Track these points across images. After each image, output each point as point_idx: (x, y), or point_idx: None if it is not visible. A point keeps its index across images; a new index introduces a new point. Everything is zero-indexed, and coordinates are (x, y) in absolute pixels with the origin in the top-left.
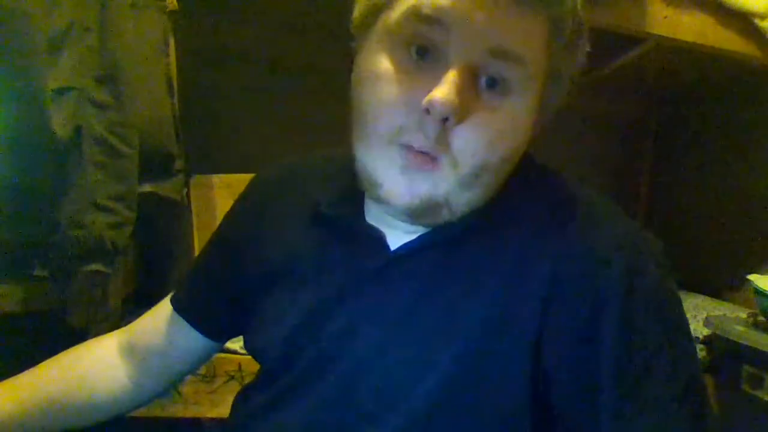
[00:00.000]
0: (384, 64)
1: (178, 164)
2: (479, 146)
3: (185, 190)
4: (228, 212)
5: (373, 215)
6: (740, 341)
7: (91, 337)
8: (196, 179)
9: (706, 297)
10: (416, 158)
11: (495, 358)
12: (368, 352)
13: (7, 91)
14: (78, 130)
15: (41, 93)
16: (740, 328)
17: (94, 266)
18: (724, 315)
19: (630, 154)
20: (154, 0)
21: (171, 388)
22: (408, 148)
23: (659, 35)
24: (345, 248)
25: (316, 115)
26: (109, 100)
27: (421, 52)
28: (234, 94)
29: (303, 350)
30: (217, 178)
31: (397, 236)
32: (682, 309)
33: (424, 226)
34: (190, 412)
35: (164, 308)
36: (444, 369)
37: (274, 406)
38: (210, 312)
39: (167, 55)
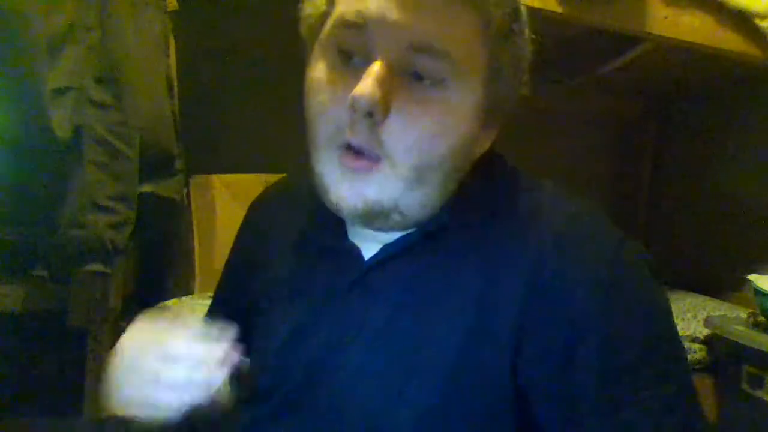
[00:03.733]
0: (320, 71)
1: (178, 164)
2: (412, 140)
3: (185, 190)
4: (234, 240)
5: (353, 232)
6: (740, 341)
7: (91, 338)
8: (196, 179)
9: (706, 297)
10: (353, 160)
11: (474, 368)
12: (349, 367)
13: (7, 91)
14: (78, 130)
15: (41, 93)
16: (740, 328)
17: (94, 266)
18: (724, 315)
19: (630, 154)
20: (154, 0)
21: None
22: (345, 150)
23: (659, 35)
24: (327, 267)
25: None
26: (109, 100)
27: (349, 55)
28: (234, 93)
29: (290, 369)
30: (217, 178)
31: (374, 250)
32: (669, 318)
33: (380, 230)
34: None
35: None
36: (426, 381)
37: (263, 425)
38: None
39: (167, 55)
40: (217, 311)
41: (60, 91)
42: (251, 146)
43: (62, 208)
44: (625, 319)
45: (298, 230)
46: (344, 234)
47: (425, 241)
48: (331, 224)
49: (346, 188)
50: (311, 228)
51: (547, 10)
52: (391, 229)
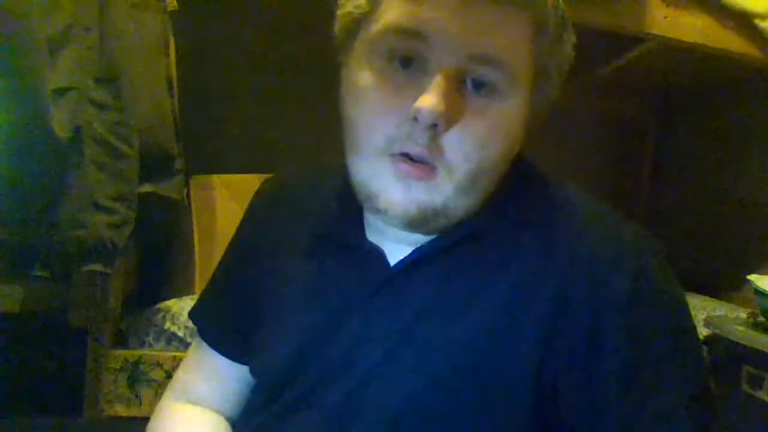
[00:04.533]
0: (368, 77)
1: (178, 164)
2: (471, 150)
3: (185, 190)
4: (233, 237)
5: (374, 231)
6: (740, 341)
7: (91, 338)
8: (196, 179)
9: (706, 297)
10: (413, 169)
11: (496, 370)
12: (370, 370)
13: (7, 91)
14: (78, 130)
15: (41, 93)
16: (740, 328)
17: (94, 266)
18: (724, 315)
19: (630, 154)
20: (154, 0)
21: None
22: (402, 157)
23: (659, 35)
24: (346, 267)
25: (317, 116)
26: (109, 100)
27: (405, 62)
28: (234, 94)
29: (305, 370)
30: (217, 178)
31: (398, 251)
32: (689, 312)
33: (422, 233)
34: None
35: (206, 356)
36: (445, 383)
37: (276, 424)
38: (239, 339)
39: (167, 55)
40: (211, 309)
41: (60, 91)
42: (251, 146)
43: (62, 208)
44: (652, 312)
45: (310, 229)
46: (363, 234)
47: (458, 245)
48: (349, 224)
49: (399, 195)
50: (326, 227)
51: None
52: (432, 231)
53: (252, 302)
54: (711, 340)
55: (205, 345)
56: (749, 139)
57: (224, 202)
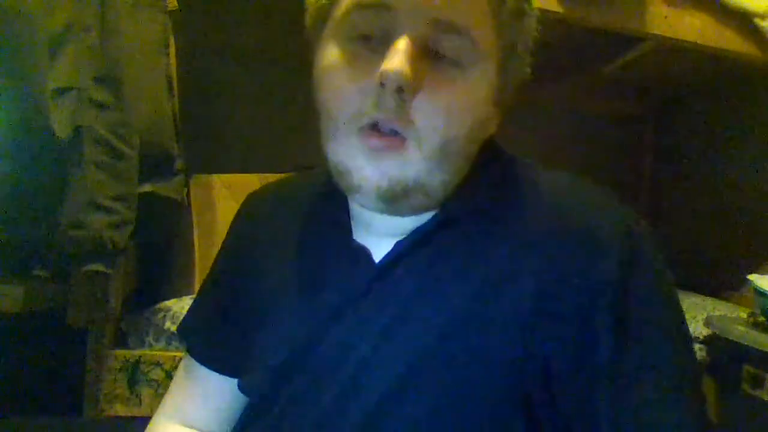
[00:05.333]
0: (334, 55)
1: (178, 164)
2: (439, 119)
3: (185, 190)
4: (220, 249)
5: (360, 228)
6: (740, 341)
7: (91, 338)
8: (196, 179)
9: (706, 297)
10: (381, 141)
11: (482, 356)
12: (359, 369)
13: (7, 91)
14: (78, 130)
15: (41, 93)
16: (740, 328)
17: (94, 266)
18: (724, 315)
19: (630, 153)
20: (154, 0)
21: None
22: (371, 132)
23: (659, 35)
24: (335, 270)
25: (317, 116)
26: (109, 100)
27: (366, 38)
28: (234, 93)
29: (298, 376)
30: (217, 178)
31: (384, 246)
32: (677, 296)
33: (401, 213)
34: None
35: (195, 373)
36: (431, 371)
37: (270, 425)
38: (230, 354)
39: (167, 55)
40: (200, 324)
41: (60, 91)
42: (251, 146)
43: (62, 208)
44: (642, 290)
45: (297, 233)
46: (350, 235)
47: (437, 231)
48: (336, 226)
49: (369, 169)
50: (314, 230)
51: (547, 10)
52: (411, 211)
53: (241, 313)
54: (711, 340)
55: (194, 361)
56: (749, 140)
57: (224, 202)
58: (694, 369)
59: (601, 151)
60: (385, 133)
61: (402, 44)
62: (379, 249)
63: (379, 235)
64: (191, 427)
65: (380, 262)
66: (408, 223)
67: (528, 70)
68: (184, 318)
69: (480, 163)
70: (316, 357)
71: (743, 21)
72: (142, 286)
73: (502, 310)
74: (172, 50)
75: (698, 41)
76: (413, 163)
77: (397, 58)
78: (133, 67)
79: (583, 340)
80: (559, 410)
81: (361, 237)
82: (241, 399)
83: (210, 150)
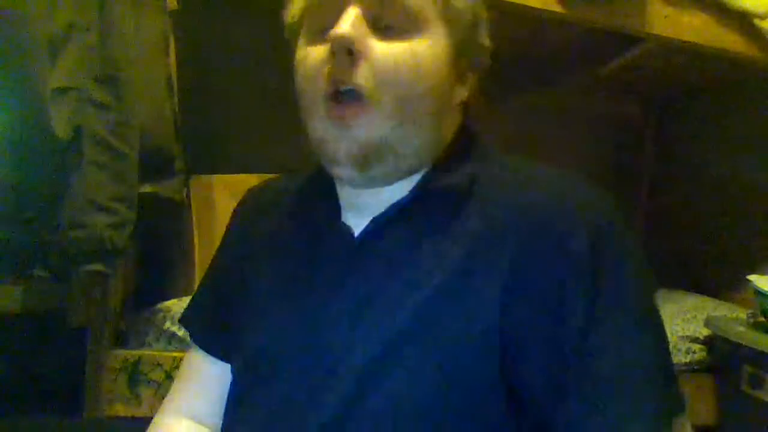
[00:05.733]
0: (303, 50)
1: (178, 164)
2: (391, 74)
3: (185, 190)
4: (220, 244)
5: (347, 212)
6: (740, 341)
7: (91, 338)
8: (196, 179)
9: (706, 297)
10: (343, 107)
11: (456, 330)
12: (339, 347)
13: (7, 91)
14: (78, 130)
15: (41, 93)
16: (740, 328)
17: (94, 266)
18: (724, 315)
19: (630, 154)
20: (154, 0)
21: None
22: (333, 103)
23: (659, 35)
24: (322, 252)
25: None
26: (109, 100)
27: (324, 30)
28: (234, 94)
29: (280, 354)
30: (217, 178)
31: (365, 225)
32: (649, 273)
33: (379, 181)
34: None
35: (197, 365)
36: (406, 345)
37: (249, 410)
38: (229, 339)
39: (167, 55)
40: (201, 313)
41: (60, 91)
42: (251, 146)
43: (62, 208)
44: (612, 266)
45: (291, 225)
46: (339, 218)
47: (412, 207)
48: (326, 210)
49: (339, 137)
50: (306, 219)
51: (547, 10)
52: (386, 178)
53: (237, 305)
54: (711, 340)
55: (196, 355)
56: (749, 140)
57: (224, 202)
58: (660, 344)
59: (601, 151)
60: (346, 100)
61: (348, 12)
62: (362, 227)
63: (362, 214)
64: (198, 421)
65: (357, 237)
66: (386, 201)
67: (487, 43)
68: (185, 310)
69: (456, 141)
70: (296, 340)
71: (743, 21)
72: (142, 286)
73: (477, 286)
74: (172, 50)
75: (698, 41)
76: (377, 124)
77: (343, 22)
78: (133, 67)
79: (555, 314)
80: (532, 383)
81: (347, 218)
82: None
83: (210, 150)
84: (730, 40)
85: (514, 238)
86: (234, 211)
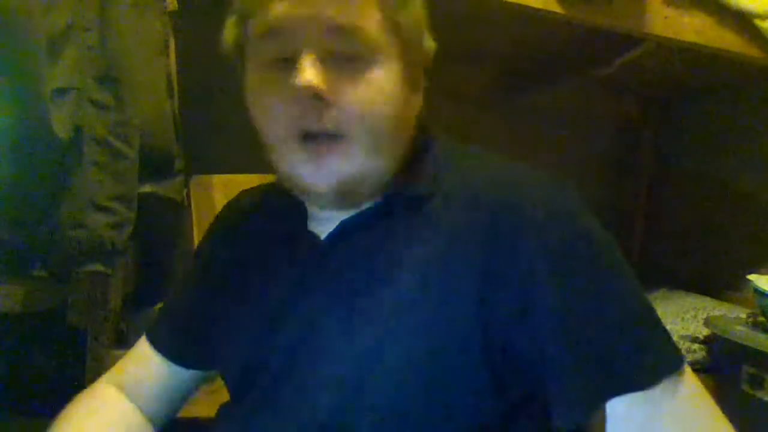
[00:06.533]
0: (255, 81)
1: (178, 164)
2: (364, 113)
3: (185, 190)
4: (196, 250)
5: (314, 220)
6: (740, 341)
7: (91, 338)
8: (196, 179)
9: (706, 297)
10: (319, 146)
11: (436, 330)
12: (324, 345)
13: (7, 91)
14: (78, 130)
15: (41, 93)
16: (740, 328)
17: (94, 266)
18: (724, 315)
19: (629, 154)
20: (154, 0)
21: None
22: (306, 139)
23: (659, 35)
24: (290, 259)
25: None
26: (109, 100)
27: (278, 60)
28: (234, 94)
29: (263, 364)
30: (217, 178)
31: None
32: (615, 246)
33: (352, 207)
34: (189, 412)
35: (146, 352)
36: (386, 346)
37: (242, 421)
38: (186, 345)
39: (167, 55)
40: (173, 316)
41: (60, 91)
42: (251, 146)
43: (62, 208)
44: (576, 242)
45: (263, 236)
46: (305, 225)
47: (379, 213)
48: (293, 220)
49: (315, 173)
50: (271, 227)
51: (547, 11)
52: (362, 201)
53: (210, 315)
54: (711, 340)
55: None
56: (749, 140)
57: (224, 202)
58: (637, 308)
59: (601, 151)
60: (320, 139)
61: (307, 59)
62: (327, 233)
63: (330, 220)
64: (134, 402)
65: (324, 239)
66: (353, 209)
67: (431, 44)
68: (154, 324)
69: (415, 144)
70: (278, 343)
71: (743, 21)
72: (142, 286)
73: (453, 282)
74: (172, 50)
75: (698, 41)
76: (354, 158)
77: (305, 70)
78: (133, 67)
79: (529, 296)
80: (521, 368)
81: (314, 227)
82: (183, 391)
83: (210, 150)
84: (730, 40)
85: (483, 231)
86: (213, 223)
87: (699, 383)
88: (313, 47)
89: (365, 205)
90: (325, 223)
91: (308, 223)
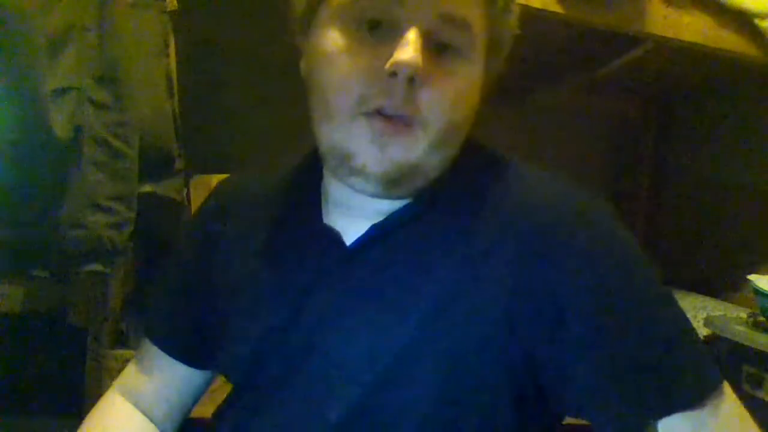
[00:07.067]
0: (339, 40)
1: (178, 164)
2: (445, 107)
3: (185, 190)
4: (183, 237)
5: (334, 212)
6: (740, 341)
7: (91, 338)
8: (196, 179)
9: (706, 297)
10: (388, 125)
11: (459, 343)
12: (332, 353)
13: (7, 91)
14: (78, 130)
15: (41, 93)
16: (740, 328)
17: (94, 266)
18: (724, 315)
19: (630, 154)
20: (154, 0)
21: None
22: (377, 115)
23: (659, 35)
24: (303, 254)
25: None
26: (109, 100)
27: (375, 25)
28: (234, 94)
29: (270, 361)
30: (217, 178)
31: (356, 229)
32: (647, 262)
33: (395, 196)
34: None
35: (151, 353)
36: (407, 357)
37: (246, 420)
38: (192, 342)
39: (167, 55)
40: (173, 311)
41: (60, 91)
42: (251, 146)
43: (62, 208)
44: (610, 260)
45: (266, 221)
46: (319, 218)
47: (412, 219)
48: (305, 210)
49: (375, 152)
50: (282, 216)
51: (547, 11)
52: (407, 194)
53: (209, 304)
54: (711, 340)
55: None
56: (749, 140)
57: None
58: (679, 326)
59: (601, 152)
60: (392, 118)
61: (413, 35)
62: (351, 231)
63: (353, 218)
64: (142, 411)
65: (352, 244)
66: (384, 207)
67: (502, 65)
68: (148, 317)
69: (461, 150)
70: (288, 341)
71: (743, 21)
72: (143, 286)
73: (482, 296)
74: (172, 50)
75: (698, 41)
76: (417, 148)
77: (410, 48)
78: (133, 67)
79: (560, 316)
80: (546, 387)
81: (332, 220)
82: (193, 393)
83: (210, 150)
84: (730, 40)
85: (516, 242)
86: (201, 206)
87: (736, 398)
88: (421, 25)
89: (396, 206)
90: (345, 214)
91: (323, 215)
